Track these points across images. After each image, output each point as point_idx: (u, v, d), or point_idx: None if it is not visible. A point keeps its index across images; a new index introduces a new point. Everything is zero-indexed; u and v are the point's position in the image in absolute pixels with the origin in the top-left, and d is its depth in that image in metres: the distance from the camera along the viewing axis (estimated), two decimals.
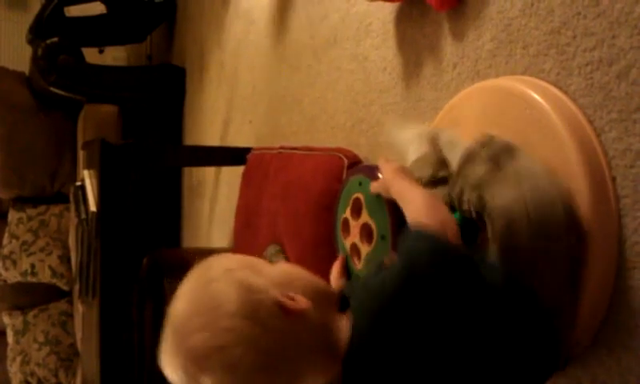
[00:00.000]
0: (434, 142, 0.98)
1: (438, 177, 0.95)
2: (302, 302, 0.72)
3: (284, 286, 0.73)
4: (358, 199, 1.04)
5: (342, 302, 0.77)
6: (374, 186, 0.91)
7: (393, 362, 0.69)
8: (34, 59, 3.43)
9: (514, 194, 0.80)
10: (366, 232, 1.07)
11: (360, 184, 1.02)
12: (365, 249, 1.02)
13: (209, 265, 0.76)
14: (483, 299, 0.72)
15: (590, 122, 0.86)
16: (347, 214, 1.02)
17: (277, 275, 0.75)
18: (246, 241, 1.87)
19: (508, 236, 0.79)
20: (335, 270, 1.03)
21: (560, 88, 0.91)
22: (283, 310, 0.71)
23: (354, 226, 1.13)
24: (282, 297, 0.71)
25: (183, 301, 0.73)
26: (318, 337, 0.72)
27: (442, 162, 0.96)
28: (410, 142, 1.04)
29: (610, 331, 0.83)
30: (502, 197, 0.81)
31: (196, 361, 0.68)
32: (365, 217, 1.06)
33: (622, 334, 0.82)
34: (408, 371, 0.70)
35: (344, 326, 0.73)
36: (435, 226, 0.73)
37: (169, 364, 0.71)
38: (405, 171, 0.86)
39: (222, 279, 0.72)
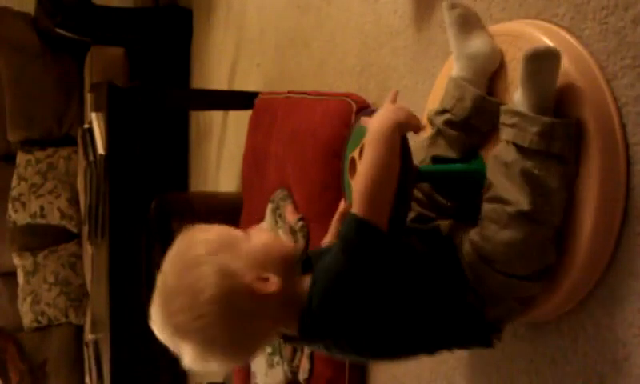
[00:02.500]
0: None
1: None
2: (272, 285, 0.82)
3: (259, 264, 0.83)
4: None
5: (306, 263, 0.88)
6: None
7: (337, 320, 0.82)
8: (40, 0, 3.39)
9: None
10: None
11: None
12: None
13: (195, 239, 0.86)
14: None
15: (602, 68, 0.85)
16: (355, 154, 1.02)
17: (254, 253, 0.84)
18: (253, 185, 1.87)
19: None
20: (337, 214, 1.05)
21: (573, 33, 0.89)
22: (256, 294, 0.82)
23: None
24: (256, 281, 0.82)
25: (171, 275, 0.84)
26: (284, 306, 0.83)
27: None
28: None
29: (613, 277, 0.84)
30: None
31: (178, 334, 0.82)
32: None
33: (627, 280, 0.82)
34: (350, 330, 0.84)
35: (304, 287, 0.84)
36: (365, 208, 0.80)
37: (157, 328, 0.85)
38: (401, 116, 0.85)
39: (205, 263, 0.82)
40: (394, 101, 0.91)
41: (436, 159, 0.97)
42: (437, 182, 0.96)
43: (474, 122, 0.94)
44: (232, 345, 0.84)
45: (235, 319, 0.81)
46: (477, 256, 0.84)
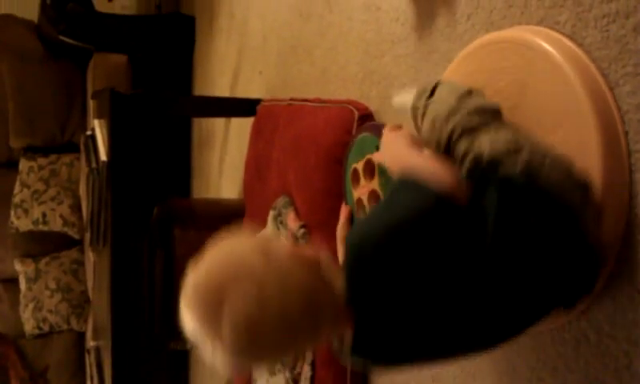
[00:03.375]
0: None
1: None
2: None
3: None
4: (371, 161, 1.04)
5: None
6: (376, 156, 0.93)
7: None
8: (43, 7, 3.41)
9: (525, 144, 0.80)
10: (373, 197, 1.08)
11: (377, 148, 1.03)
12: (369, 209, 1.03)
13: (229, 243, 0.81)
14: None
15: (605, 76, 0.85)
16: (359, 166, 1.02)
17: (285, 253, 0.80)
18: (255, 192, 1.88)
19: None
20: (342, 218, 1.05)
21: (575, 40, 0.90)
22: (300, 258, 0.78)
23: (364, 186, 1.14)
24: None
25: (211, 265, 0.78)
26: (328, 289, 0.78)
27: None
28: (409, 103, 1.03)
29: (616, 284, 0.84)
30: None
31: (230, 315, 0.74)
32: (375, 183, 1.07)
33: (629, 288, 0.82)
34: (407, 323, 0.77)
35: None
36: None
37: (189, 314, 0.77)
38: (408, 138, 0.86)
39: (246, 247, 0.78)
40: (394, 129, 0.91)
41: None
42: None
43: None
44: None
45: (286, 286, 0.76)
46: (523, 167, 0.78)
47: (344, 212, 1.08)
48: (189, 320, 0.77)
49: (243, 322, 0.73)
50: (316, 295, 0.77)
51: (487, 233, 0.76)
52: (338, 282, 0.79)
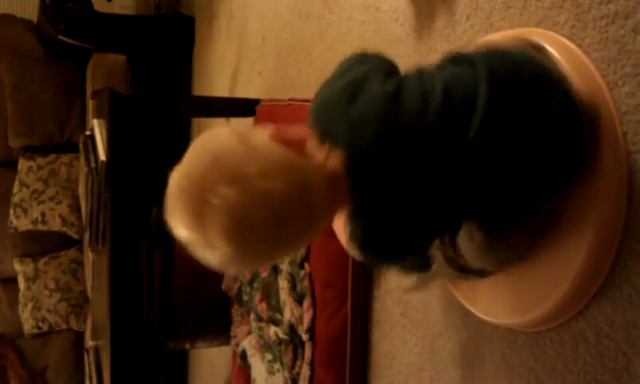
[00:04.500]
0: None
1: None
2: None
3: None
4: None
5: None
6: None
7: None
8: (43, 7, 3.40)
9: None
10: None
11: None
12: None
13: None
14: None
15: (603, 76, 0.85)
16: None
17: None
18: None
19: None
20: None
21: (574, 41, 0.90)
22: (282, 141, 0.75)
23: None
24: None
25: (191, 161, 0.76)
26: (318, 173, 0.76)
27: None
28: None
29: (615, 285, 0.84)
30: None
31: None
32: None
33: (628, 288, 0.82)
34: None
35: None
36: None
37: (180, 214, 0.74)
38: None
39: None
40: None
41: None
42: None
43: None
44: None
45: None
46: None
47: None
48: (176, 227, 0.75)
49: (228, 213, 0.71)
50: (302, 174, 0.75)
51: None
52: (327, 160, 0.78)
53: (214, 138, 0.76)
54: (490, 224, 0.87)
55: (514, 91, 0.78)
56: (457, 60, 0.84)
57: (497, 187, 0.80)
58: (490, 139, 0.77)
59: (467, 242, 0.90)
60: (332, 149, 0.79)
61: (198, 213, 0.72)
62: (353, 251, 0.89)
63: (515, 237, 0.89)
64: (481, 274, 0.98)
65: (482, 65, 0.79)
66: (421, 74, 0.83)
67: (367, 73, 0.84)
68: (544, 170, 0.79)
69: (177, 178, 0.75)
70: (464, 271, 0.98)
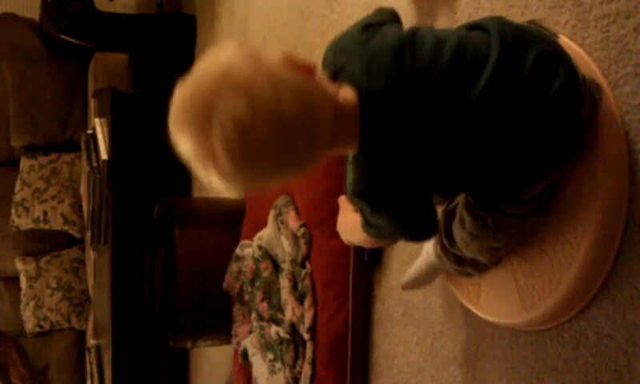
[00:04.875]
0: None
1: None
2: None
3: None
4: None
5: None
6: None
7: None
8: (44, 6, 3.41)
9: None
10: None
11: None
12: None
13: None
14: None
15: (605, 76, 0.85)
16: None
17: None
18: (255, 192, 1.88)
19: None
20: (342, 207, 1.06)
21: (575, 41, 0.90)
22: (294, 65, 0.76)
23: None
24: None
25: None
26: (328, 100, 0.77)
27: None
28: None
29: (616, 285, 0.84)
30: None
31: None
32: None
33: (629, 288, 0.82)
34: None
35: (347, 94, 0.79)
36: None
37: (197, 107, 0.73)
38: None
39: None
40: None
41: None
42: None
43: None
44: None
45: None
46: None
47: (343, 202, 1.08)
48: (180, 140, 0.74)
49: (235, 125, 0.70)
50: (310, 97, 0.75)
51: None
52: (338, 93, 0.78)
53: (224, 53, 0.76)
54: (479, 206, 0.88)
55: (522, 60, 0.79)
56: (472, 27, 0.85)
57: (493, 152, 0.81)
58: (492, 101, 0.78)
59: (459, 229, 0.91)
60: (343, 85, 0.80)
61: (206, 123, 0.71)
62: (359, 234, 0.91)
63: (503, 224, 0.88)
64: (475, 265, 0.98)
65: (496, 31, 0.80)
66: (435, 29, 0.85)
67: (383, 20, 0.87)
68: (539, 144, 0.80)
69: (185, 88, 0.75)
70: (460, 263, 0.99)
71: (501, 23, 0.82)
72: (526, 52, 0.79)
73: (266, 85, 0.72)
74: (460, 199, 0.92)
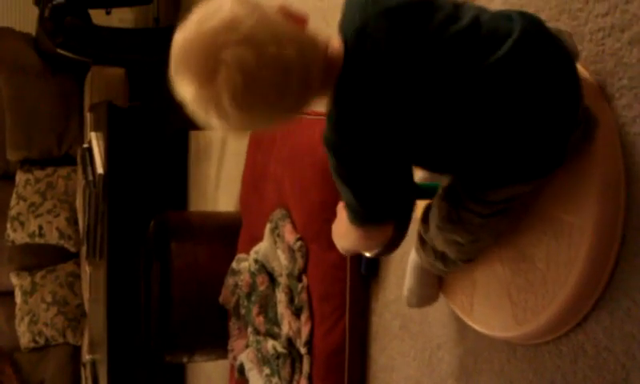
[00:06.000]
0: None
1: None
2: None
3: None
4: None
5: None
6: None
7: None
8: (41, 20, 3.41)
9: None
10: None
11: None
12: None
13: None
14: None
15: (601, 89, 0.85)
16: None
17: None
18: (252, 205, 1.87)
19: None
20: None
21: None
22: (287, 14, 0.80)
23: None
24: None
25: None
26: (317, 51, 0.81)
27: None
28: None
29: (613, 297, 0.84)
30: None
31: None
32: None
33: (626, 300, 0.82)
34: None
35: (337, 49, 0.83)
36: None
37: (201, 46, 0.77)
38: None
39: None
40: None
41: None
42: None
43: None
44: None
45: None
46: None
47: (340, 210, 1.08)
48: (182, 84, 0.78)
49: (241, 71, 0.74)
50: (305, 46, 0.79)
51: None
52: (325, 38, 0.83)
53: (224, 3, 0.78)
54: (447, 198, 0.89)
55: (539, 53, 0.80)
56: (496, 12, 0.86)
57: (483, 130, 0.81)
58: (502, 74, 0.78)
59: (431, 217, 0.92)
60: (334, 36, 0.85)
61: (210, 68, 0.75)
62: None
63: (465, 219, 0.88)
64: (444, 260, 0.98)
65: (519, 19, 0.81)
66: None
67: None
68: (526, 140, 0.81)
69: (187, 35, 0.79)
70: (436, 256, 0.99)
71: (526, 18, 0.83)
72: (544, 48, 0.80)
73: (269, 35, 0.76)
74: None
